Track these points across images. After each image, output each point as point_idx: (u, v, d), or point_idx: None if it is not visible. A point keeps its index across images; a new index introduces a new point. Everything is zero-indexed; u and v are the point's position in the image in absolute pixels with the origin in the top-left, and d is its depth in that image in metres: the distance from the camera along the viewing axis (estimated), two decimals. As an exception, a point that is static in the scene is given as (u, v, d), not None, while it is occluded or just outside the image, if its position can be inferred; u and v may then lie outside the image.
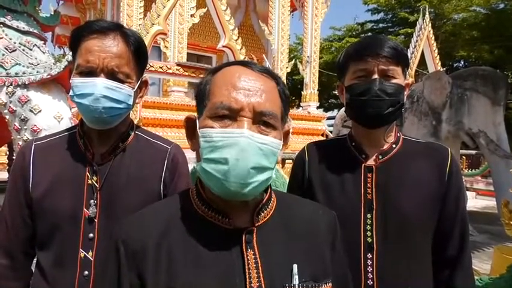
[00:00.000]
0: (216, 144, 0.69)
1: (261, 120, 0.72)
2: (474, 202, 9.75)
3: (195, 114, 0.80)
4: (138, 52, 1.11)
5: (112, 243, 0.76)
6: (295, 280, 0.73)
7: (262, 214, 0.78)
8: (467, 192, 8.53)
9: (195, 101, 0.81)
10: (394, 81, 1.07)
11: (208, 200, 0.77)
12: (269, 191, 0.82)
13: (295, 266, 0.73)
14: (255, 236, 0.75)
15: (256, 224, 0.76)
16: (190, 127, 0.80)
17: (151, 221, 0.77)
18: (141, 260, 0.72)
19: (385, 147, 1.14)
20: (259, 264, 0.72)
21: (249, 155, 0.68)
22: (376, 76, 1.06)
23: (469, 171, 11.78)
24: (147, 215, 0.80)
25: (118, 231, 0.77)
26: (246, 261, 0.72)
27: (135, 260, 0.72)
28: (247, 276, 0.71)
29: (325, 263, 0.79)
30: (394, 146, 1.14)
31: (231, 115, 0.71)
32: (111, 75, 1.05)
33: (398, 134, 1.17)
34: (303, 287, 0.73)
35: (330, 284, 0.77)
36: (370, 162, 1.13)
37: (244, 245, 0.73)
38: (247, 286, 0.70)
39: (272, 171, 0.73)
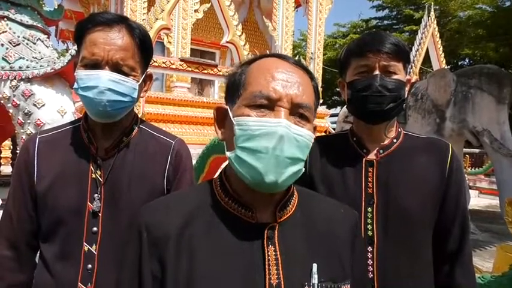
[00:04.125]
0: (253, 133, 0.69)
1: (297, 112, 0.72)
2: (477, 201, 9.73)
3: (223, 104, 0.80)
4: (143, 45, 1.10)
5: (135, 226, 0.76)
6: (315, 279, 0.72)
7: (285, 210, 0.78)
8: (470, 191, 8.51)
9: (225, 92, 0.81)
10: (395, 77, 1.08)
11: (233, 192, 0.77)
12: (292, 186, 0.82)
13: (314, 266, 0.73)
14: (276, 232, 0.75)
15: (279, 220, 0.76)
16: (220, 116, 0.79)
17: (176, 209, 0.77)
18: (163, 247, 0.72)
19: (386, 142, 1.15)
20: (280, 261, 0.72)
21: (286, 145, 0.68)
22: (377, 72, 1.07)
23: (472, 169, 11.74)
24: (171, 203, 0.80)
25: (142, 215, 0.77)
26: (266, 257, 0.72)
27: (157, 247, 0.72)
28: (267, 272, 0.71)
29: (345, 264, 0.79)
30: (395, 141, 1.15)
31: (268, 105, 0.71)
32: (116, 68, 1.04)
33: (399, 129, 1.18)
34: (322, 287, 0.72)
35: (349, 286, 0.77)
36: (371, 156, 1.13)
37: (265, 240, 0.73)
38: (267, 282, 0.70)
39: (303, 164, 0.73)
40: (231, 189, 0.78)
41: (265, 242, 0.73)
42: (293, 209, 0.80)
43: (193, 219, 0.75)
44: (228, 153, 0.75)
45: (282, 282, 0.71)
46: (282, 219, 0.77)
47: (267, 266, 0.71)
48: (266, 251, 0.72)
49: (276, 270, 0.71)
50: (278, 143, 0.68)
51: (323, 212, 0.84)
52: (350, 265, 0.80)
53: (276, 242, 0.74)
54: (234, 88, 0.77)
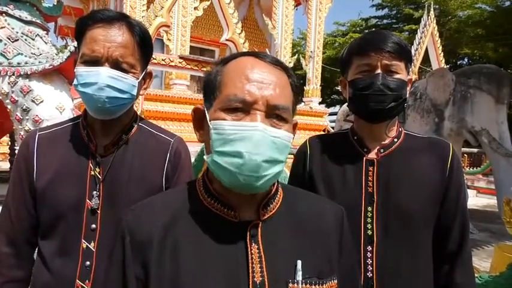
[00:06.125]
0: (228, 137, 0.68)
1: (273, 113, 0.71)
2: (475, 200, 9.75)
3: (201, 105, 0.79)
4: (143, 43, 1.10)
5: (119, 231, 0.76)
6: (299, 276, 0.72)
7: (269, 208, 0.78)
8: (468, 190, 8.53)
9: (202, 91, 0.80)
10: (397, 76, 1.08)
11: (215, 192, 0.77)
12: (276, 184, 0.82)
13: (299, 262, 0.73)
14: (260, 230, 0.74)
15: (262, 218, 0.76)
16: (198, 118, 0.79)
17: (159, 211, 0.77)
18: (146, 251, 0.72)
19: (386, 141, 1.15)
20: (263, 259, 0.72)
21: (263, 148, 0.67)
22: (379, 71, 1.07)
23: (471, 169, 11.76)
24: (154, 205, 0.80)
25: (126, 219, 0.77)
26: (249, 255, 0.72)
27: (141, 250, 0.72)
28: (250, 270, 0.71)
29: (331, 259, 0.79)
30: (395, 140, 1.15)
31: (244, 108, 0.70)
32: (116, 65, 1.04)
33: (400, 129, 1.18)
34: (307, 283, 0.72)
35: (335, 281, 0.76)
36: (372, 155, 1.13)
37: (248, 238, 0.73)
38: (251, 280, 0.70)
39: (283, 164, 0.73)
40: (213, 189, 0.77)
41: (248, 240, 0.73)
42: (277, 206, 0.79)
43: (176, 220, 0.75)
44: (205, 157, 0.74)
45: (266, 280, 0.71)
46: (265, 217, 0.76)
47: (250, 264, 0.71)
48: (249, 249, 0.72)
49: (260, 268, 0.71)
50: (255, 147, 0.67)
51: (308, 208, 0.83)
52: (337, 260, 0.80)
53: (260, 239, 0.74)
54: (210, 89, 0.76)
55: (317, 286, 0.73)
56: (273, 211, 0.78)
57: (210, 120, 0.73)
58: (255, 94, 0.69)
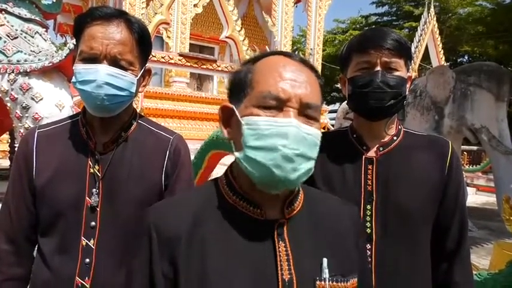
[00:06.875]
0: (262, 133, 0.69)
1: (305, 111, 0.72)
2: (474, 198, 9.76)
3: (228, 103, 0.79)
4: (142, 40, 1.10)
5: (144, 228, 0.76)
6: (325, 274, 0.73)
7: (293, 206, 0.78)
8: (468, 188, 8.54)
9: (228, 90, 0.80)
10: (396, 73, 1.08)
11: (240, 190, 0.77)
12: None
13: (324, 260, 0.73)
14: (285, 228, 0.75)
15: (287, 216, 0.76)
16: (226, 116, 0.79)
17: (184, 209, 0.77)
18: (174, 247, 0.72)
19: (386, 139, 1.14)
20: (290, 257, 0.73)
21: (297, 143, 0.68)
22: (378, 68, 1.07)
23: (470, 167, 11.77)
24: (179, 202, 0.81)
25: (151, 216, 0.77)
26: (277, 253, 0.72)
27: (168, 247, 0.72)
28: (279, 268, 0.71)
29: (351, 258, 0.80)
30: (395, 138, 1.15)
31: (277, 105, 0.70)
32: (114, 62, 1.04)
33: (400, 127, 1.18)
34: (333, 280, 0.73)
35: (356, 279, 0.78)
36: (371, 154, 1.13)
37: (276, 236, 0.74)
38: (279, 278, 0.71)
39: (314, 162, 0.74)
40: (238, 187, 0.78)
41: (275, 238, 0.73)
42: (300, 205, 0.80)
43: (202, 218, 0.75)
44: (236, 153, 0.74)
45: (294, 278, 0.71)
46: (290, 216, 0.77)
47: (278, 262, 0.72)
48: (277, 247, 0.73)
49: (288, 265, 0.72)
50: (289, 142, 0.68)
51: (328, 208, 0.84)
52: (355, 260, 0.81)
53: (286, 237, 0.74)
54: (239, 87, 0.76)
55: (342, 283, 0.74)
56: (296, 210, 0.79)
57: (241, 117, 0.73)
58: (289, 91, 0.70)
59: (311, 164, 0.72)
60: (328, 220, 0.81)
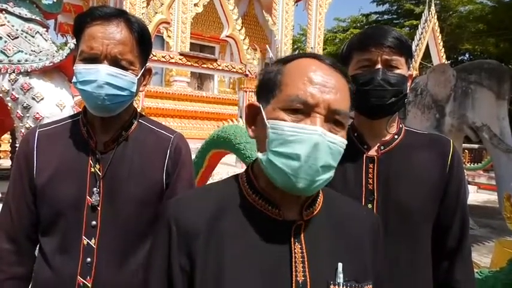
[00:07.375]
0: (287, 138, 0.68)
1: (333, 118, 0.71)
2: (476, 196, 9.75)
3: (256, 102, 0.79)
4: (142, 39, 1.10)
5: (164, 220, 0.76)
6: (340, 279, 0.72)
7: (311, 209, 0.78)
8: (469, 186, 8.53)
9: (257, 89, 0.79)
10: (397, 71, 1.07)
11: (260, 189, 0.77)
12: None
13: (340, 265, 0.73)
14: (303, 230, 0.75)
15: (305, 218, 0.76)
16: (252, 114, 0.78)
17: (204, 203, 0.77)
18: (192, 241, 0.72)
19: (387, 138, 1.14)
20: (306, 259, 0.73)
21: (320, 153, 0.68)
22: (379, 66, 1.06)
23: (471, 165, 11.76)
24: (199, 197, 0.81)
25: (171, 209, 0.77)
26: (293, 254, 0.72)
27: (187, 240, 0.73)
28: (293, 270, 0.71)
29: (367, 264, 0.79)
30: (396, 137, 1.14)
31: (304, 110, 0.69)
32: (115, 62, 1.04)
33: (401, 125, 1.17)
34: (347, 286, 0.73)
35: (371, 286, 0.77)
36: (372, 152, 1.13)
37: (292, 237, 0.74)
38: (293, 279, 0.71)
39: (334, 170, 0.73)
40: (258, 186, 0.78)
41: (292, 239, 0.73)
42: (318, 208, 0.80)
43: (221, 213, 0.75)
44: (259, 155, 0.74)
45: (308, 280, 0.71)
46: (308, 218, 0.77)
47: (293, 263, 0.72)
48: (293, 248, 0.73)
49: (302, 267, 0.72)
50: (312, 151, 0.67)
51: (346, 212, 0.84)
52: (371, 267, 0.80)
53: (302, 239, 0.74)
54: (268, 87, 0.75)
55: None
56: (315, 212, 0.78)
57: (267, 119, 0.72)
58: (317, 97, 0.69)
59: (332, 173, 0.72)
60: (346, 224, 0.81)
